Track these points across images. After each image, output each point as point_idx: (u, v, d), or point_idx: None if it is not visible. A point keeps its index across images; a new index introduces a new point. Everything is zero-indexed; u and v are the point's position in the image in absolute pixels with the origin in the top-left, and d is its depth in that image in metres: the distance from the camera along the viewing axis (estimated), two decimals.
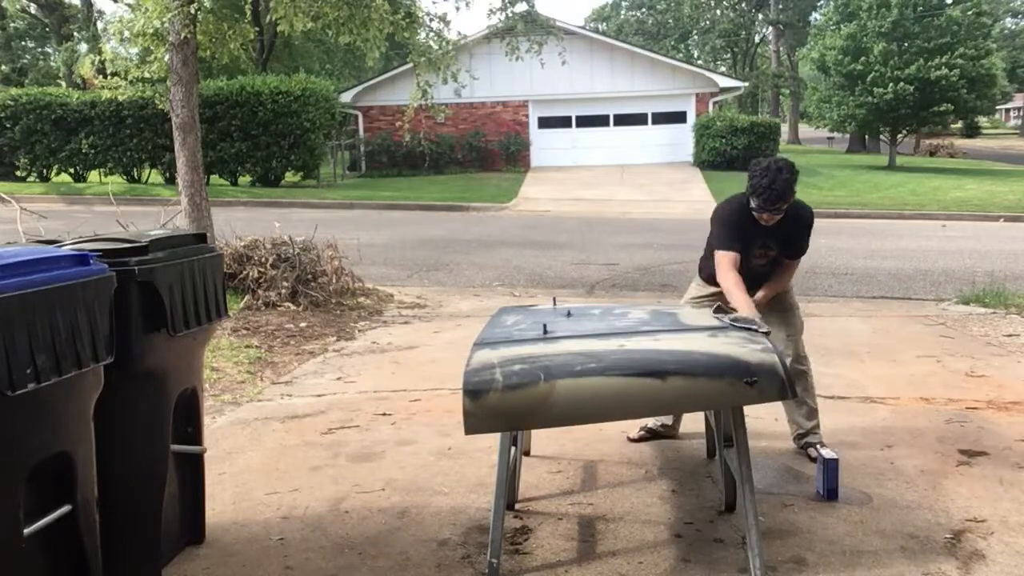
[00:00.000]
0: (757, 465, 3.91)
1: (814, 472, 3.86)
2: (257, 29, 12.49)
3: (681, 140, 25.41)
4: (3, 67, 37.66)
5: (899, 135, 30.43)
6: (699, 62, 48.34)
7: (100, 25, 31.52)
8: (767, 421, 4.60)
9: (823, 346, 6.37)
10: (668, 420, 4.45)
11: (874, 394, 5.29)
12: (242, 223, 10.19)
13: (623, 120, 26.22)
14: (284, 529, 3.46)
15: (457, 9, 18.79)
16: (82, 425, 2.53)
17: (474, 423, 2.81)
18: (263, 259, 8.05)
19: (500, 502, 2.98)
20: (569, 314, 3.62)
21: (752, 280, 4.00)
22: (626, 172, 23.84)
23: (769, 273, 4.15)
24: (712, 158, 24.18)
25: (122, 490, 2.78)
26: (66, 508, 2.45)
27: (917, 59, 27.53)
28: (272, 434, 4.65)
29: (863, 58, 28.30)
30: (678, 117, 25.94)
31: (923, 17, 28.26)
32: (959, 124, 43.22)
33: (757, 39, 56.18)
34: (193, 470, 3.28)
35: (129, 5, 8.96)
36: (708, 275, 4.20)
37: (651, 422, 4.42)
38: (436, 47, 9.33)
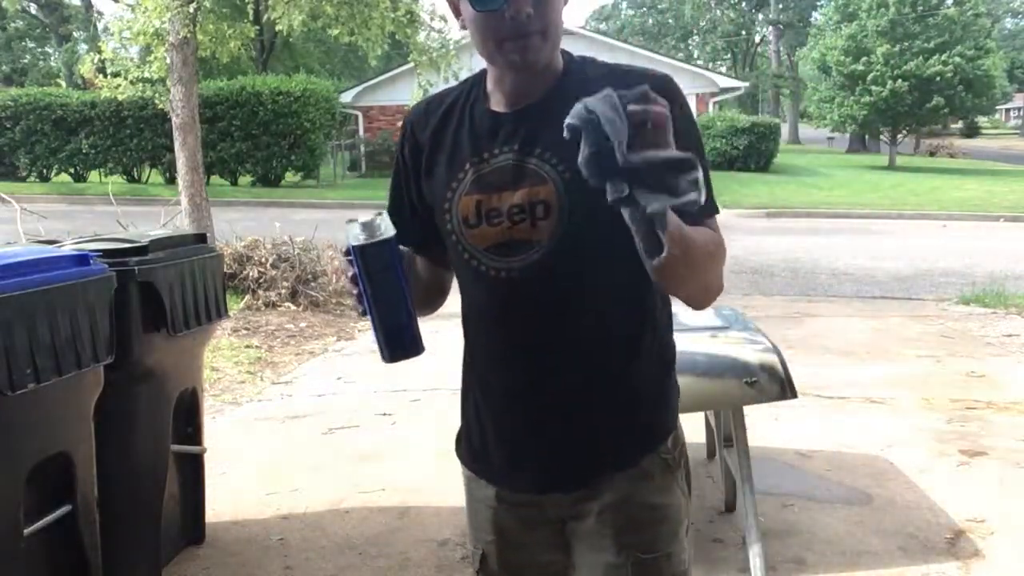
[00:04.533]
0: (757, 465, 3.91)
1: (814, 471, 3.86)
2: (257, 28, 12.47)
3: None
4: (3, 67, 37.67)
5: (899, 135, 30.43)
6: (699, 62, 48.31)
7: (100, 25, 31.55)
8: (767, 421, 4.59)
9: (823, 346, 6.40)
10: None
11: (874, 394, 5.29)
12: (242, 223, 10.18)
13: None
14: (284, 529, 3.46)
15: None
16: (82, 425, 2.52)
17: None
18: (263, 259, 8.04)
19: None
20: None
21: None
22: None
23: None
24: (713, 158, 24.13)
25: (122, 490, 2.78)
26: (66, 508, 2.45)
27: (916, 58, 27.57)
28: (272, 434, 4.65)
29: (864, 58, 28.32)
30: None
31: (922, 17, 28.29)
32: (959, 124, 43.20)
33: (757, 39, 56.18)
34: (193, 470, 3.28)
35: (129, 5, 8.95)
36: None
37: None
38: (437, 46, 9.34)
